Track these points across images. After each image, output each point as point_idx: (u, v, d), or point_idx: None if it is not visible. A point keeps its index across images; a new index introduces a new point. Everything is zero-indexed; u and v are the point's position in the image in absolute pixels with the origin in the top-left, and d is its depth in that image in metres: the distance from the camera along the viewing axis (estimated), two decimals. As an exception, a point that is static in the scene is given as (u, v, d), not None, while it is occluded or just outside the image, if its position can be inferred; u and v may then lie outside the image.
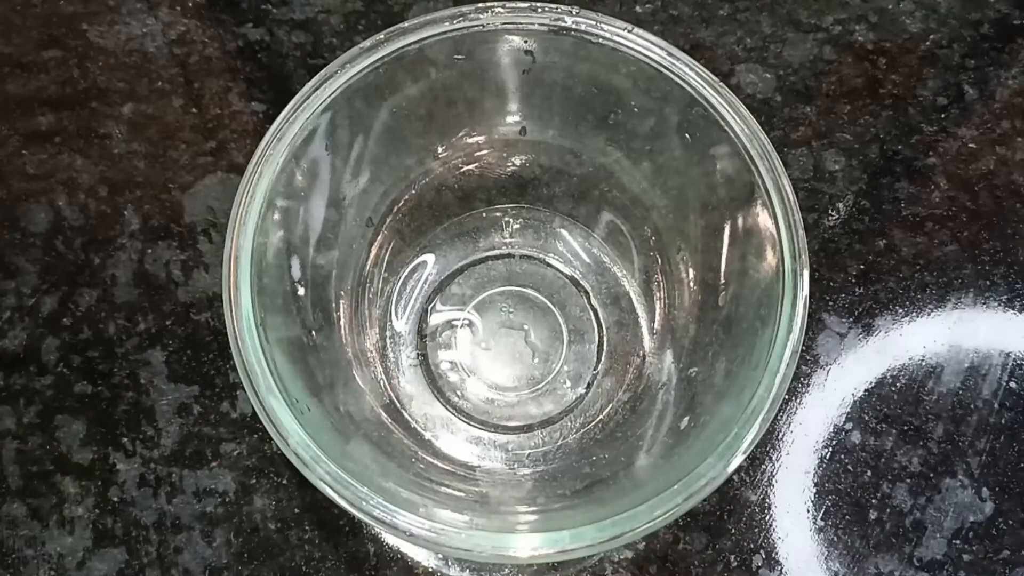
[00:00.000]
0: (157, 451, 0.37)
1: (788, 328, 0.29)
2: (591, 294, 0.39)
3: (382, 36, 0.31)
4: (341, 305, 0.37)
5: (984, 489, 0.37)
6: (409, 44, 0.31)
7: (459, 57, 0.33)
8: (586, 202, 0.39)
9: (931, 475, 0.37)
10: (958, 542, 0.37)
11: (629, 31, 0.32)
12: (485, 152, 0.38)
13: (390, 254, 0.39)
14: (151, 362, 0.38)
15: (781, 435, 0.38)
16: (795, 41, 0.44)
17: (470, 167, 0.38)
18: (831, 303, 0.40)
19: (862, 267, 0.41)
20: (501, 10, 0.32)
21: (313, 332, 0.33)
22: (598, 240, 0.39)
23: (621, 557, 0.36)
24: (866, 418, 0.38)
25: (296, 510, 0.36)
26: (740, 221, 0.33)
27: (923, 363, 0.39)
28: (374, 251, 0.38)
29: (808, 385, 0.39)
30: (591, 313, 0.38)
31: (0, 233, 0.40)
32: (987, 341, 0.40)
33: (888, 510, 0.37)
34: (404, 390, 0.37)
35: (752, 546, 0.36)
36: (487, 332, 0.38)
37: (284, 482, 0.36)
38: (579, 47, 0.32)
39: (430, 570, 0.36)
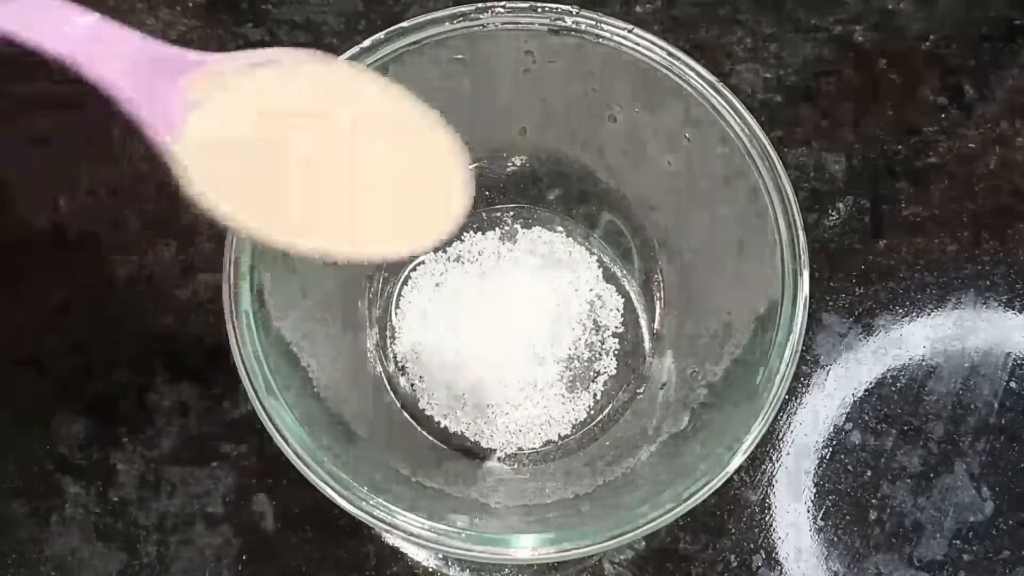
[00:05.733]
0: (157, 451, 0.37)
1: (788, 328, 0.29)
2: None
3: (382, 36, 0.31)
4: (342, 305, 0.37)
5: (984, 489, 0.37)
6: (409, 44, 0.31)
7: (459, 57, 0.33)
8: (586, 202, 0.39)
9: (931, 475, 0.37)
10: (958, 542, 0.37)
11: (629, 31, 0.32)
12: (485, 152, 0.38)
13: (390, 254, 0.39)
14: (151, 362, 0.38)
15: (781, 435, 0.38)
16: (795, 41, 0.44)
17: (470, 167, 0.38)
18: (831, 303, 0.40)
19: (862, 267, 0.41)
20: (501, 10, 0.32)
21: (313, 332, 0.33)
22: (598, 240, 0.40)
23: (621, 557, 0.36)
24: (866, 418, 0.38)
25: (296, 510, 0.36)
26: (740, 221, 0.33)
27: (923, 363, 0.39)
28: (374, 251, 0.38)
29: (808, 385, 0.39)
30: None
31: (0, 233, 0.40)
32: (987, 341, 0.40)
33: (888, 510, 0.37)
34: (404, 389, 0.37)
35: (752, 546, 0.36)
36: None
37: (284, 482, 0.36)
38: (579, 47, 0.32)
39: (430, 570, 0.36)
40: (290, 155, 0.24)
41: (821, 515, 0.37)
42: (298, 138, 0.24)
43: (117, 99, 0.24)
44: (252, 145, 0.24)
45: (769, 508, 0.37)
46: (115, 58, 0.23)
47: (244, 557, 0.36)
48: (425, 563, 0.36)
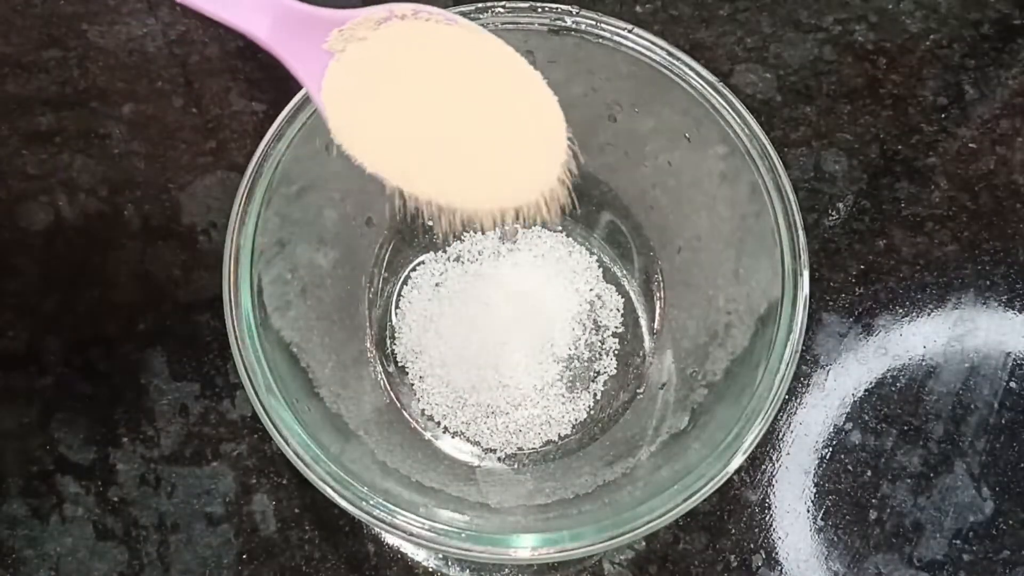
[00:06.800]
0: (157, 451, 0.37)
1: (788, 328, 0.29)
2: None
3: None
4: (342, 305, 0.37)
5: (984, 489, 0.37)
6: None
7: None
8: (586, 202, 0.39)
9: (931, 475, 0.37)
10: (958, 542, 0.37)
11: (629, 31, 0.32)
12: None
13: (390, 254, 0.39)
14: (151, 362, 0.38)
15: (781, 435, 0.38)
16: (795, 41, 0.44)
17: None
18: (831, 303, 0.40)
19: (862, 267, 0.41)
20: (501, 10, 0.32)
21: (313, 332, 0.33)
22: (598, 240, 0.40)
23: (621, 557, 0.36)
24: (866, 418, 0.38)
25: (296, 510, 0.36)
26: (740, 221, 0.33)
27: (923, 363, 0.39)
28: (374, 251, 0.38)
29: (808, 385, 0.39)
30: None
31: (0, 233, 0.40)
32: (987, 341, 0.40)
33: (888, 510, 0.37)
34: (404, 389, 0.37)
35: (752, 546, 0.36)
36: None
37: (284, 482, 0.36)
38: (579, 47, 0.32)
39: (430, 570, 0.36)
40: (412, 104, 0.26)
41: (821, 515, 0.37)
42: (419, 87, 0.26)
43: (272, 53, 0.27)
44: (381, 93, 0.26)
45: (769, 508, 0.37)
46: (264, 19, 0.26)
47: (244, 557, 0.36)
48: (425, 563, 0.36)
